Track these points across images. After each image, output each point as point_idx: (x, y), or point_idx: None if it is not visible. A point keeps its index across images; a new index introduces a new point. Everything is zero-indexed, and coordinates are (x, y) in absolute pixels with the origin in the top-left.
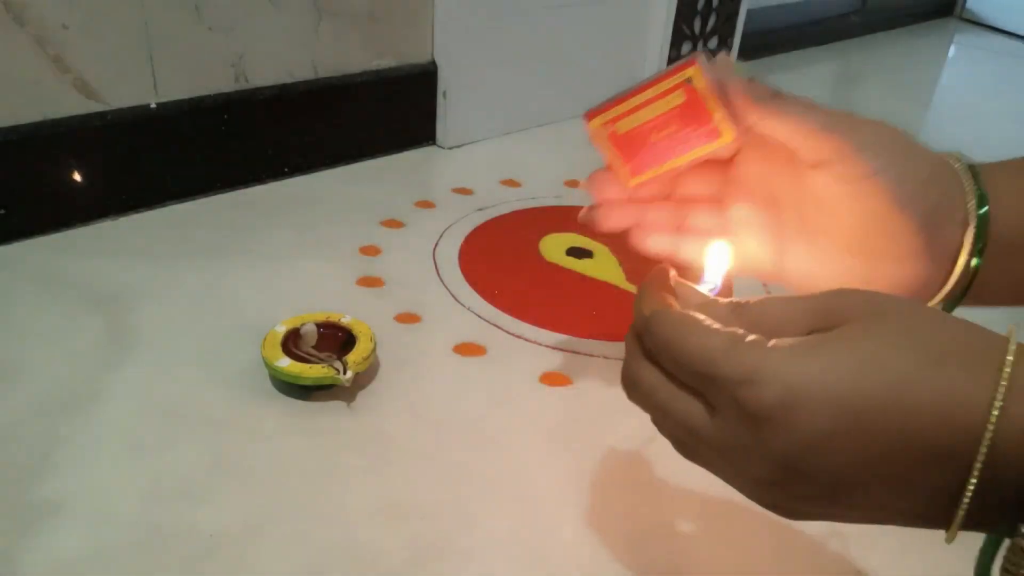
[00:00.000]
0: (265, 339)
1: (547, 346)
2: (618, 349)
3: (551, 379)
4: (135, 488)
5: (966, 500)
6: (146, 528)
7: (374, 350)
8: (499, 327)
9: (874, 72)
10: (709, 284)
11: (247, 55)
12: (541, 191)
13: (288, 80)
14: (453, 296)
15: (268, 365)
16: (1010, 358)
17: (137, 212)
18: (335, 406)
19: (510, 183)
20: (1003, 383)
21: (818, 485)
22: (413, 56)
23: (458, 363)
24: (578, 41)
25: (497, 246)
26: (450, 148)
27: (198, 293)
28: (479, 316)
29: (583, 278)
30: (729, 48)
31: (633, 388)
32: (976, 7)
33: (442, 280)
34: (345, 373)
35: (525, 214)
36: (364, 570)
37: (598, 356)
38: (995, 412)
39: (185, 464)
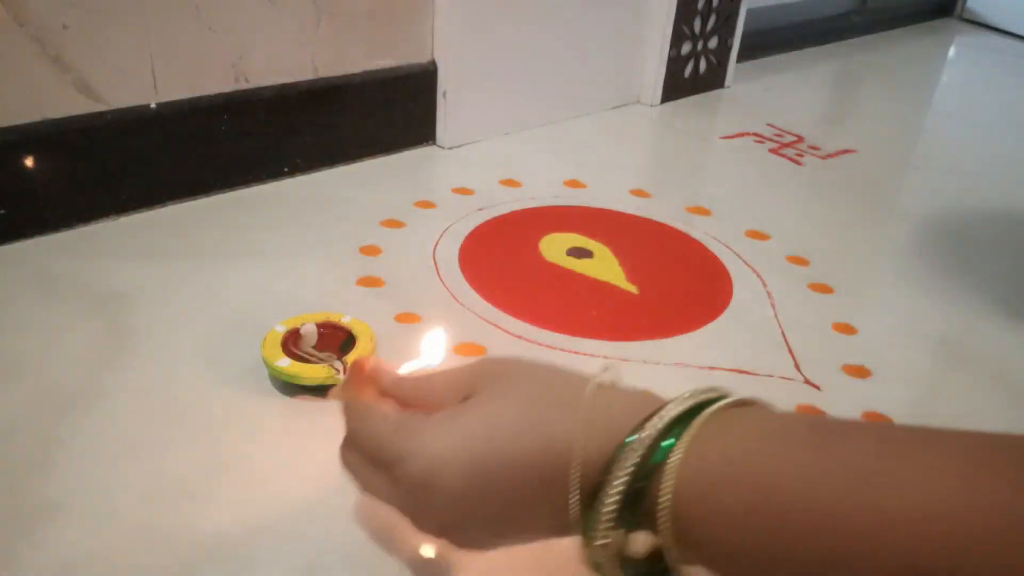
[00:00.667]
0: (265, 339)
1: (547, 346)
2: (618, 349)
3: None
4: (135, 488)
5: (572, 512)
6: (146, 528)
7: (374, 350)
8: (499, 327)
9: (874, 72)
10: (419, 364)
11: (247, 55)
12: (541, 191)
13: (288, 80)
14: (453, 296)
15: (268, 365)
16: (585, 401)
17: (137, 212)
18: (335, 406)
19: (510, 183)
20: (584, 418)
21: (479, 527)
22: (413, 56)
23: (459, 363)
24: (578, 41)
25: (497, 246)
26: (450, 148)
27: (198, 293)
28: (479, 316)
29: (583, 278)
30: (729, 48)
31: (343, 467)
32: (976, 7)
33: (442, 280)
34: (345, 373)
35: (525, 214)
36: (364, 570)
37: (598, 356)
38: (576, 445)
39: (185, 464)
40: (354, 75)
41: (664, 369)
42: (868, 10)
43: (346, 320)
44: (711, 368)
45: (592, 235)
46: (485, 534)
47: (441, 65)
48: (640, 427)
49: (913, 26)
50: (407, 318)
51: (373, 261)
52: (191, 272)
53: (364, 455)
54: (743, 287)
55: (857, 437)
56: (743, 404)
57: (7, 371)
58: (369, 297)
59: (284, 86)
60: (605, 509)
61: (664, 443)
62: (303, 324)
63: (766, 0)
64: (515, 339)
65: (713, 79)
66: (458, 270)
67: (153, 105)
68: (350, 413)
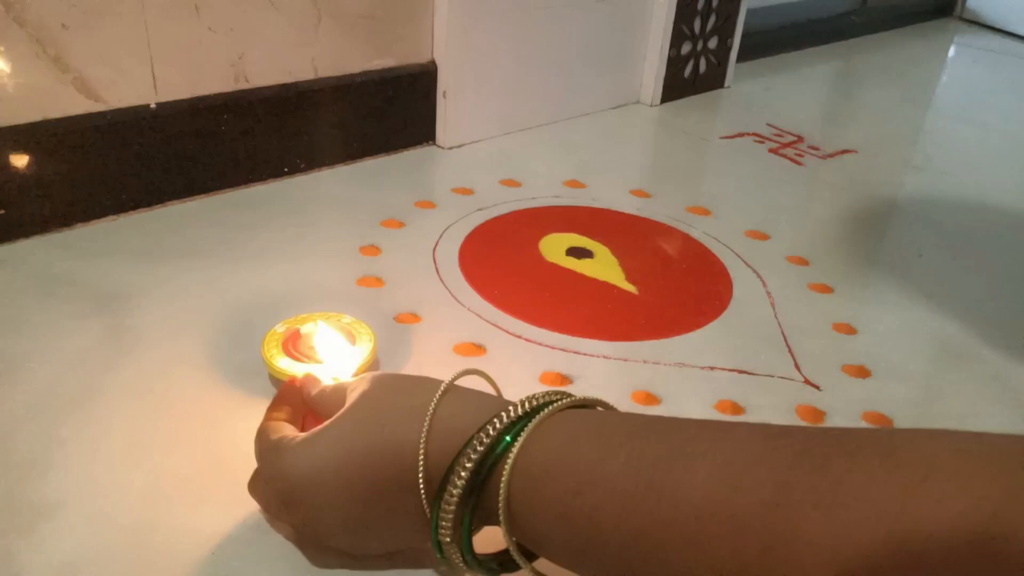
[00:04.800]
0: (265, 339)
1: (547, 346)
2: (618, 349)
3: (551, 379)
4: (135, 488)
5: (428, 510)
6: (146, 528)
7: (374, 350)
8: (499, 327)
9: (874, 72)
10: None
11: (247, 55)
12: (541, 191)
13: (288, 80)
14: (453, 296)
15: (268, 365)
16: (431, 408)
17: (137, 212)
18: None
19: (510, 183)
20: (427, 425)
21: (348, 535)
22: (413, 56)
23: (458, 363)
24: (578, 41)
25: (497, 246)
26: (450, 148)
27: (198, 293)
28: (479, 316)
29: (583, 278)
30: (729, 48)
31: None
32: (976, 7)
33: (442, 280)
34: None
35: (525, 214)
36: (364, 570)
37: (598, 356)
38: (421, 449)
39: (185, 464)
40: (354, 75)
41: (664, 369)
42: (868, 10)
43: (346, 320)
44: (711, 368)
45: (592, 235)
46: (356, 540)
47: (441, 65)
48: (485, 426)
49: (913, 26)
50: (407, 318)
51: (373, 261)
52: (191, 272)
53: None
54: (743, 287)
55: (655, 435)
56: (582, 405)
57: (7, 371)
58: (369, 297)
59: (284, 86)
60: (449, 499)
61: (507, 437)
62: (303, 324)
63: (766, 0)
64: (515, 339)
65: (713, 79)
66: (458, 270)
67: (153, 105)
68: (258, 431)
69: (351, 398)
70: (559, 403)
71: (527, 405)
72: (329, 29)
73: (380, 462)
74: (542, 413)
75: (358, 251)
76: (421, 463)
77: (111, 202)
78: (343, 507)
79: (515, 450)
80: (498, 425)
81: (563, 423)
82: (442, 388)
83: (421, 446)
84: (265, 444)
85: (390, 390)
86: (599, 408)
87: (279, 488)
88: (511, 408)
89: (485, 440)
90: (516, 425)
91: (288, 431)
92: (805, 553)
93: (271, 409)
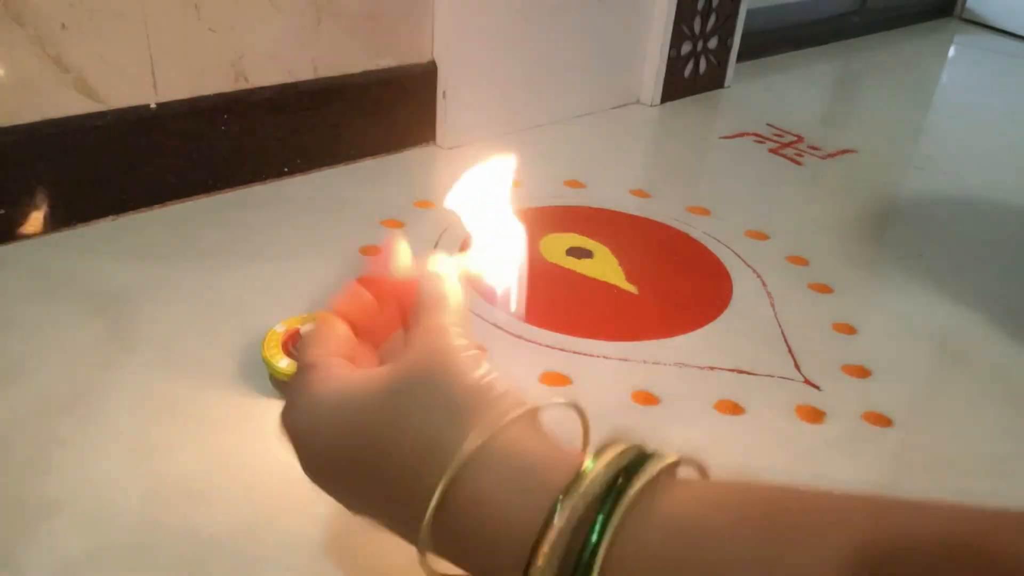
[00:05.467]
0: (265, 339)
1: (547, 346)
2: (618, 349)
3: (551, 379)
4: (135, 488)
5: (429, 512)
6: (146, 528)
7: None
8: (499, 327)
9: (874, 72)
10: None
11: (247, 55)
12: (541, 191)
13: (288, 80)
14: None
15: (268, 365)
16: (439, 490)
17: (137, 212)
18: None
19: None
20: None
21: (345, 495)
22: (413, 56)
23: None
24: (578, 41)
25: None
26: (450, 148)
27: (198, 293)
28: (479, 316)
29: (583, 278)
30: (729, 48)
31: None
32: (976, 7)
33: None
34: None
35: (525, 214)
36: (364, 571)
37: (598, 356)
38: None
39: (185, 464)
40: (354, 75)
41: (664, 369)
42: (868, 10)
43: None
44: (711, 368)
45: (592, 235)
46: (350, 495)
47: (441, 65)
48: (552, 517)
49: (913, 26)
50: None
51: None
52: (191, 272)
53: None
54: (743, 287)
55: (778, 538)
56: (668, 467)
57: (7, 371)
58: None
59: (284, 86)
60: None
61: (592, 536)
62: (303, 324)
63: (766, 0)
64: (515, 339)
65: (713, 79)
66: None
67: (153, 105)
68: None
69: (394, 371)
70: (646, 474)
71: (604, 476)
72: (329, 29)
73: (390, 474)
74: (630, 492)
75: (358, 251)
76: (426, 533)
77: (111, 202)
78: (337, 486)
79: (602, 552)
80: (580, 508)
81: (657, 508)
82: (466, 449)
83: (428, 511)
84: (303, 356)
85: (432, 408)
86: (683, 465)
87: (285, 421)
88: (586, 483)
89: (553, 553)
90: (599, 512)
91: (325, 365)
92: (800, 562)
93: (338, 306)
